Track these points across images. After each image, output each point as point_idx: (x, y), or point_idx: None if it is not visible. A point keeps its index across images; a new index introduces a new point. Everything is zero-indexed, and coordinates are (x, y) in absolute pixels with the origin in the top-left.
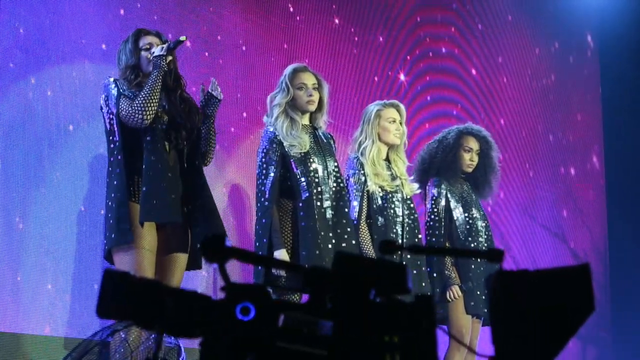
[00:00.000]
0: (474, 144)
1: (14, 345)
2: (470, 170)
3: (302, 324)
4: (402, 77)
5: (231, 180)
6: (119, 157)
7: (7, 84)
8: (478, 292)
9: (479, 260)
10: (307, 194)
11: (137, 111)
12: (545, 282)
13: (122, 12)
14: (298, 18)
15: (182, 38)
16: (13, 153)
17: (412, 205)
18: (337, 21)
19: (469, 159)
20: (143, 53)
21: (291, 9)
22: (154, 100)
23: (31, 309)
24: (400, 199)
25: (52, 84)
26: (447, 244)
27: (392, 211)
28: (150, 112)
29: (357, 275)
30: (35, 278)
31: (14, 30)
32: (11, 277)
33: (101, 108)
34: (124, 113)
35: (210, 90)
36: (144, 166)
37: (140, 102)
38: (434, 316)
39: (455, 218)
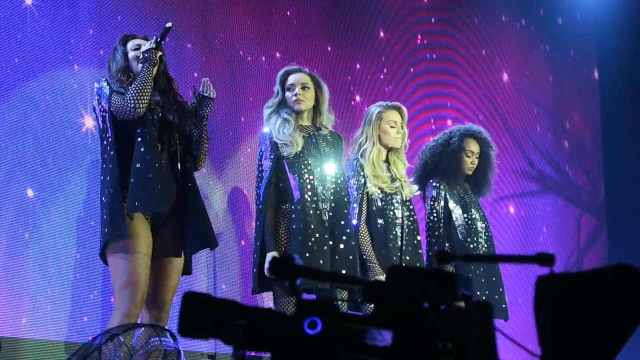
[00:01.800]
0: (475, 147)
1: (14, 350)
2: (470, 172)
3: (358, 334)
4: (399, 78)
5: (230, 184)
6: (112, 152)
7: (4, 90)
8: (478, 293)
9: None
10: (299, 197)
11: (129, 101)
12: (590, 282)
13: (119, 18)
14: (295, 22)
15: (168, 25)
16: (11, 157)
17: (411, 207)
18: (338, 25)
19: (470, 163)
20: (132, 54)
21: (288, 13)
22: (146, 90)
23: (31, 313)
24: (399, 201)
25: (49, 90)
26: (446, 245)
27: (391, 213)
28: (143, 101)
29: (412, 285)
30: (36, 283)
31: (12, 36)
32: (12, 281)
33: (94, 109)
34: (116, 106)
35: (201, 92)
36: (133, 158)
37: (132, 92)
38: (491, 321)
39: (454, 219)
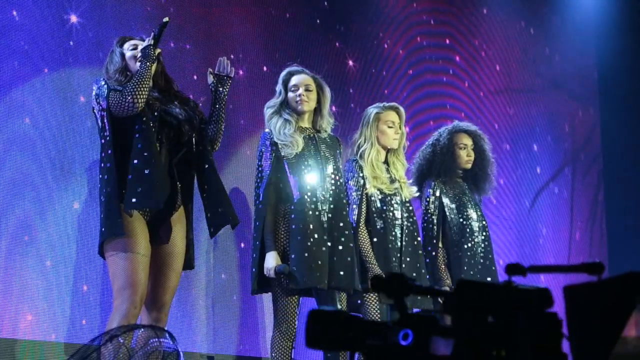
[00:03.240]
0: (467, 140)
1: (12, 351)
2: (469, 166)
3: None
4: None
5: (229, 186)
6: (109, 151)
7: (3, 92)
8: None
9: (472, 261)
10: (299, 197)
11: (127, 96)
12: (616, 290)
13: (119, 20)
14: (295, 24)
15: (165, 20)
16: (11, 159)
17: (410, 208)
18: (337, 27)
19: (466, 155)
20: (129, 53)
21: (287, 16)
22: (144, 86)
23: (30, 314)
24: (399, 202)
25: (49, 91)
26: (440, 245)
27: (391, 214)
28: (141, 96)
29: (469, 297)
30: (35, 284)
31: (11, 37)
32: (11, 283)
33: (93, 109)
34: (114, 102)
35: (217, 71)
36: (130, 155)
37: (130, 87)
38: (560, 331)
39: (448, 219)
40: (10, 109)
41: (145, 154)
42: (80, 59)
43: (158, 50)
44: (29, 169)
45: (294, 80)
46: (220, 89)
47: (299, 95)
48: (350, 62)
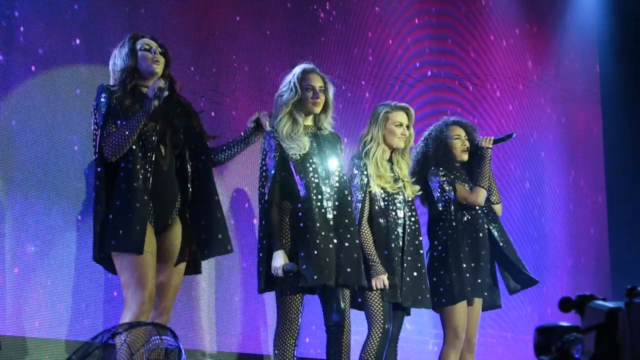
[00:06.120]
0: (460, 131)
1: (15, 348)
2: (465, 157)
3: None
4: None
5: (234, 184)
6: (99, 169)
7: (4, 92)
8: (468, 275)
9: (467, 248)
10: (306, 195)
11: (107, 147)
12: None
13: (120, 20)
14: (296, 23)
15: (162, 83)
16: (12, 160)
17: (413, 207)
18: (337, 27)
19: (461, 145)
20: (142, 53)
21: (280, 26)
22: (127, 142)
23: (33, 311)
24: (402, 201)
25: (51, 91)
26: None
27: (393, 213)
28: (120, 152)
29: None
30: (37, 282)
31: (12, 34)
32: (13, 281)
33: (92, 113)
34: (98, 141)
35: (258, 121)
36: (113, 192)
37: (115, 140)
38: None
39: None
40: (11, 110)
41: (128, 195)
42: (83, 58)
43: (166, 94)
44: (31, 169)
45: (309, 79)
46: (252, 136)
47: (316, 97)
48: (349, 63)
